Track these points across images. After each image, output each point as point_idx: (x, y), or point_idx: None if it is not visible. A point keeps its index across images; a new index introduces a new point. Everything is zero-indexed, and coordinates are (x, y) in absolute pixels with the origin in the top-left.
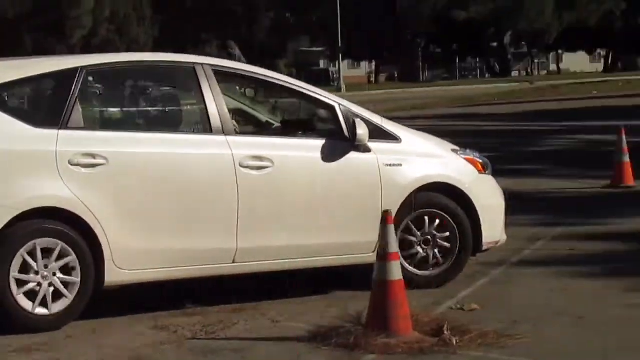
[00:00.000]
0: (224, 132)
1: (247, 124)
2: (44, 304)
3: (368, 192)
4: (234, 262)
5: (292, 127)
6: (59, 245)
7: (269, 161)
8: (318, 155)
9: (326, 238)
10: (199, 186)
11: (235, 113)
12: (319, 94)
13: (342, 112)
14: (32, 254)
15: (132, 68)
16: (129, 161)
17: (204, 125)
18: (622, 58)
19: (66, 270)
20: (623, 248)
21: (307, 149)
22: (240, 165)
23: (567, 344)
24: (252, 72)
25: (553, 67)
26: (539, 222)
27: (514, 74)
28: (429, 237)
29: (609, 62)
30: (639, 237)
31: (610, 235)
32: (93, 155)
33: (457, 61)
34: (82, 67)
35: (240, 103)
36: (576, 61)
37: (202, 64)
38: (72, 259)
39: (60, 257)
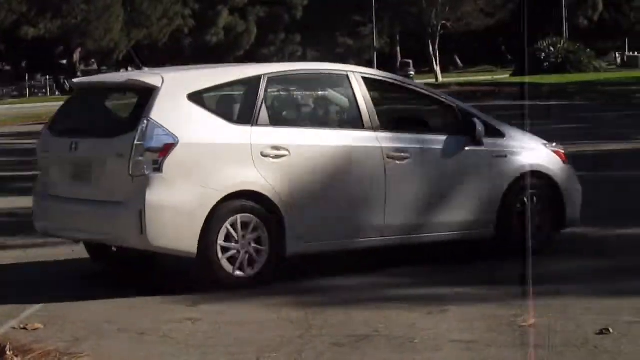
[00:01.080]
0: (373, 128)
1: (389, 122)
2: (241, 267)
3: (482, 178)
4: (382, 236)
5: (421, 124)
6: (253, 220)
7: (408, 153)
8: (444, 148)
9: (452, 216)
10: (357, 173)
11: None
12: (439, 97)
13: (459, 112)
14: (234, 226)
15: (302, 75)
16: (305, 152)
17: (357, 123)
18: None
19: (258, 240)
20: (188, 263)
21: (435, 143)
22: (387, 157)
23: (129, 359)
24: (389, 78)
25: None
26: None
27: None
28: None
29: None
30: None
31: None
32: (278, 148)
33: (27, 78)
34: (265, 75)
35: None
36: None
37: (353, 72)
38: (262, 231)
39: (254, 229)
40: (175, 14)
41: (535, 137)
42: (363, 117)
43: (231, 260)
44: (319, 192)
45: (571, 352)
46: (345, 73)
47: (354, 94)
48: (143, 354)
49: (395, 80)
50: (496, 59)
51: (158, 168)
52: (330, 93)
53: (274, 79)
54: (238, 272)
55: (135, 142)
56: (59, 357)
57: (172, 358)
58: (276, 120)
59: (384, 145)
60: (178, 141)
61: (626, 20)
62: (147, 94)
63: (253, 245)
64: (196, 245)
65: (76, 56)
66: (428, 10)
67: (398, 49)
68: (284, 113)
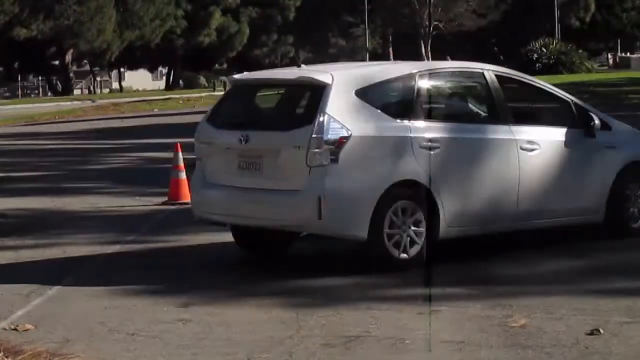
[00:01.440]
0: (507, 122)
1: (518, 116)
2: (404, 250)
3: (595, 168)
4: (513, 221)
5: (544, 118)
6: (412, 206)
7: (537, 144)
8: (565, 139)
9: (570, 203)
10: (496, 164)
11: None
12: (558, 92)
13: (575, 107)
14: (396, 212)
15: (445, 72)
16: (453, 145)
17: (493, 117)
18: (183, 76)
19: (416, 224)
20: (177, 263)
21: (557, 135)
22: (520, 148)
23: (118, 359)
24: (514, 75)
25: (115, 85)
26: (97, 241)
27: (77, 92)
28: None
29: (170, 79)
30: (192, 254)
31: (166, 251)
32: (432, 141)
33: (19, 79)
34: (417, 72)
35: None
36: (138, 79)
37: (487, 70)
38: (420, 216)
39: (412, 215)
40: (168, 14)
41: (635, 129)
42: (498, 111)
43: (395, 244)
44: (465, 182)
45: (561, 352)
46: (481, 71)
47: (489, 89)
48: (134, 355)
49: (520, 77)
50: (489, 60)
51: (335, 159)
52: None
53: (423, 76)
54: (402, 255)
55: (313, 135)
56: (50, 358)
57: (163, 359)
58: (428, 115)
59: (517, 137)
60: (351, 134)
61: (618, 21)
62: (319, 90)
63: (413, 228)
64: (367, 230)
65: (68, 57)
66: (420, 11)
67: (390, 49)
68: (434, 108)
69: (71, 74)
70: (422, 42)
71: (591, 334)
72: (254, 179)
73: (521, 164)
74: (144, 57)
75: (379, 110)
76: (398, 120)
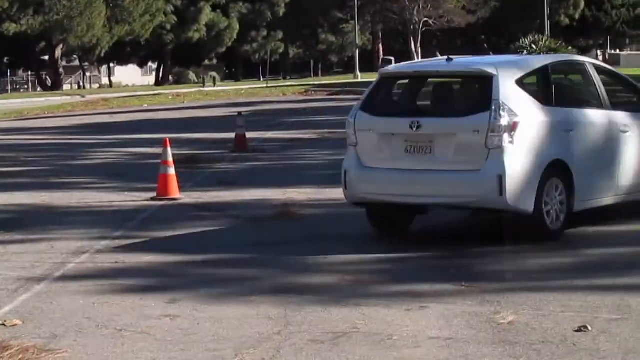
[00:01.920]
0: (607, 107)
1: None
2: (551, 222)
3: None
4: (616, 195)
5: (630, 104)
6: (558, 182)
7: (629, 127)
8: None
9: None
10: (606, 144)
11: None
12: (635, 82)
13: None
14: (549, 189)
15: (561, 64)
16: (582, 128)
17: (599, 103)
18: (173, 71)
19: (561, 199)
20: (165, 259)
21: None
22: (620, 130)
23: (108, 355)
24: (605, 67)
25: (105, 80)
26: (85, 236)
27: (66, 87)
28: None
29: (160, 75)
30: (180, 250)
31: (154, 248)
32: (567, 124)
33: (8, 74)
34: (549, 64)
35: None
36: (128, 74)
37: (588, 62)
38: (563, 191)
39: (558, 190)
40: (158, 10)
41: None
42: (602, 98)
43: (548, 217)
44: (590, 160)
45: (549, 349)
46: (583, 63)
47: (592, 79)
48: (122, 351)
49: (608, 68)
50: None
51: (511, 141)
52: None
53: (554, 67)
54: (551, 226)
55: (492, 120)
56: (37, 354)
57: (151, 354)
58: (561, 102)
59: (617, 121)
60: (520, 119)
61: (608, 18)
62: (488, 80)
63: (558, 203)
64: (533, 205)
65: (58, 52)
66: (410, 7)
67: (380, 46)
68: (564, 96)
69: (60, 69)
70: (411, 38)
71: (579, 330)
72: (424, 161)
73: (620, 145)
74: (134, 53)
75: (531, 97)
76: (545, 107)
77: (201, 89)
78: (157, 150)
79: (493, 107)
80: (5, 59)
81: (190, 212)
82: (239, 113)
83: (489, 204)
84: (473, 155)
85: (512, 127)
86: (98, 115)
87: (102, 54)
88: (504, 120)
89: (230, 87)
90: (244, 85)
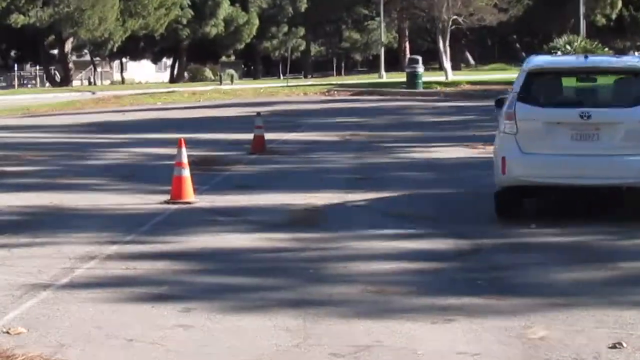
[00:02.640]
0: None
1: None
2: None
3: None
4: None
5: None
6: None
7: None
8: None
9: None
10: None
11: None
12: None
13: None
14: None
15: None
16: None
17: None
18: (188, 68)
19: None
20: (178, 265)
21: None
22: None
23: None
24: None
25: (117, 76)
26: (94, 240)
27: (76, 83)
28: None
29: (175, 72)
30: (194, 256)
31: (167, 254)
32: None
33: (16, 69)
34: None
35: None
36: (141, 70)
37: None
38: None
39: None
40: (173, 3)
41: None
42: None
43: None
44: None
45: None
46: None
47: None
48: None
49: None
50: (510, 57)
51: None
52: None
53: None
54: None
55: None
56: None
57: None
58: None
59: None
60: None
61: None
62: None
63: None
64: None
65: (68, 46)
66: (438, 4)
67: (407, 44)
68: None
69: (70, 64)
70: (440, 36)
71: (614, 347)
72: (590, 147)
73: None
74: (148, 48)
75: None
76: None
77: (218, 87)
78: (171, 151)
79: None
80: (13, 53)
81: (205, 217)
82: (258, 113)
83: None
84: (637, 141)
85: None
86: (109, 113)
87: (114, 49)
88: None
89: (248, 85)
90: (263, 84)
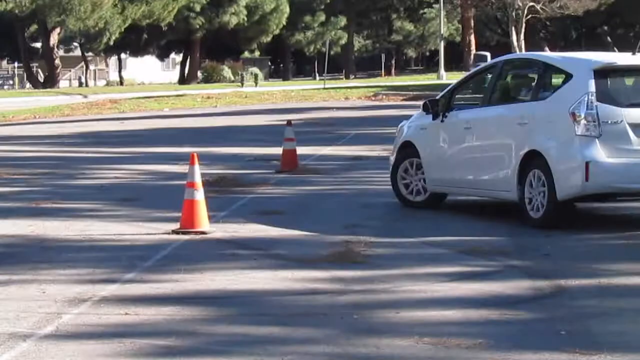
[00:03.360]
0: None
1: None
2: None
3: None
4: None
5: None
6: None
7: None
8: None
9: None
10: None
11: None
12: None
13: None
14: None
15: None
16: None
17: None
18: (202, 66)
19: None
20: (190, 312)
21: None
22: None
23: None
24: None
25: (114, 76)
26: (86, 279)
27: (64, 84)
28: None
29: (186, 71)
30: (209, 300)
31: (175, 297)
32: None
33: None
34: None
35: None
36: (144, 69)
37: None
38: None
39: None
40: None
41: None
42: None
43: None
44: None
45: None
46: None
47: None
48: None
49: None
50: (597, 50)
51: None
52: None
53: None
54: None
55: None
56: None
57: None
58: None
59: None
60: None
61: None
62: None
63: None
64: None
65: (54, 38)
66: None
67: (472, 37)
68: None
69: (57, 61)
70: (513, 28)
71: None
72: None
73: None
74: (152, 41)
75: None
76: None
77: (239, 89)
78: (182, 168)
79: None
80: None
81: (222, 250)
82: (288, 122)
83: None
84: None
85: None
86: (104, 121)
87: (111, 42)
88: None
89: (276, 87)
90: (295, 86)
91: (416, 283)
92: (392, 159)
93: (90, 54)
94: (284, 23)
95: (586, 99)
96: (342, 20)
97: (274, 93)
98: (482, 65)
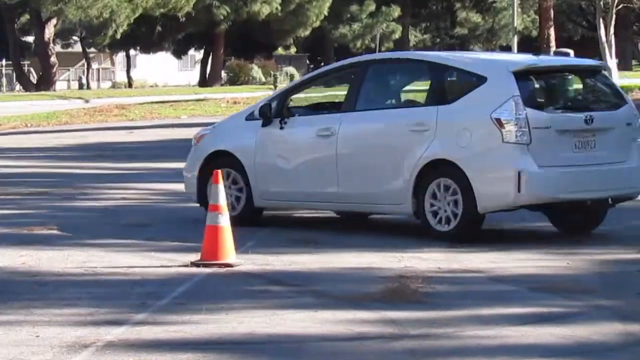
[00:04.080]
0: None
1: None
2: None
3: None
4: None
5: None
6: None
7: None
8: None
9: None
10: None
11: None
12: None
13: None
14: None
15: None
16: None
17: None
18: (227, 65)
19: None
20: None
21: None
22: None
23: None
24: None
25: (122, 76)
26: (88, 320)
27: (61, 85)
28: None
29: (208, 70)
30: (236, 346)
31: (195, 342)
32: None
33: None
34: None
35: None
36: (157, 68)
37: None
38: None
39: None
40: None
41: None
42: None
43: None
44: None
45: None
46: None
47: None
48: None
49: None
50: None
51: None
52: None
53: None
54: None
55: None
56: None
57: None
58: None
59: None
60: None
61: None
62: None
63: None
64: None
65: (49, 31)
66: None
67: (551, 30)
68: None
69: (53, 58)
70: (600, 20)
71: None
72: (588, 155)
73: None
74: (167, 35)
75: None
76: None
77: (271, 92)
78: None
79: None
80: None
81: (251, 286)
82: None
83: None
84: (625, 146)
85: None
86: (110, 131)
87: (118, 36)
88: None
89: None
90: (339, 91)
91: (484, 327)
92: (195, 173)
93: (92, 50)
94: (326, 13)
95: (512, 103)
96: (396, 11)
97: (312, 97)
98: (328, 67)
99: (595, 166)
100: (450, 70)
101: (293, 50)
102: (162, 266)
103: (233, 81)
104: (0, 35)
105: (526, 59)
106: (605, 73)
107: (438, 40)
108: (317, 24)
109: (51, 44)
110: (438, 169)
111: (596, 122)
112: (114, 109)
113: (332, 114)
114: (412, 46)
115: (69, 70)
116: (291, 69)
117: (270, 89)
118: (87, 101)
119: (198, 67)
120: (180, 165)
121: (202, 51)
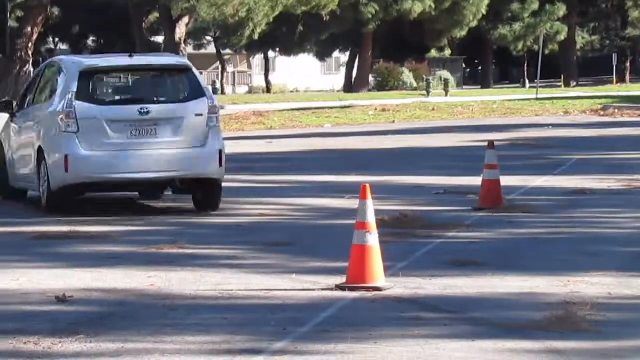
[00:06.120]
0: None
1: None
2: None
3: None
4: None
5: None
6: None
7: None
8: None
9: None
10: None
11: None
12: None
13: None
14: None
15: None
16: None
17: None
18: (375, 68)
19: None
20: None
21: None
22: None
23: None
24: None
25: (259, 80)
26: (223, 348)
27: None
28: None
29: (354, 75)
30: None
31: None
32: None
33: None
34: None
35: None
36: (298, 72)
37: None
38: None
39: None
40: None
41: None
42: None
43: None
44: None
45: None
46: None
47: None
48: None
49: None
50: None
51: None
52: None
53: None
54: None
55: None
56: None
57: None
58: None
59: None
60: None
61: None
62: (187, 72)
63: None
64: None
65: (180, 30)
66: None
67: None
68: None
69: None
70: None
71: None
72: (148, 142)
73: None
74: (310, 36)
75: None
76: None
77: (424, 99)
78: (349, 203)
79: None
80: (90, 39)
81: (402, 312)
82: (490, 143)
83: (213, 174)
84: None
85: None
86: (246, 140)
87: (256, 36)
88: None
89: (473, 97)
90: (498, 95)
91: None
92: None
93: (227, 51)
94: (484, 12)
95: (68, 97)
96: (561, 9)
97: (470, 105)
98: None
99: (155, 150)
100: (59, 70)
101: (448, 52)
102: (304, 289)
103: (381, 86)
104: (127, 35)
105: (92, 60)
106: (194, 71)
107: (608, 42)
108: (475, 23)
109: (182, 45)
110: (41, 155)
111: (154, 114)
112: (251, 116)
113: (28, 109)
114: (578, 49)
115: (201, 73)
116: (445, 74)
117: (422, 95)
118: (221, 107)
119: (343, 70)
120: (326, 178)
121: (347, 53)
